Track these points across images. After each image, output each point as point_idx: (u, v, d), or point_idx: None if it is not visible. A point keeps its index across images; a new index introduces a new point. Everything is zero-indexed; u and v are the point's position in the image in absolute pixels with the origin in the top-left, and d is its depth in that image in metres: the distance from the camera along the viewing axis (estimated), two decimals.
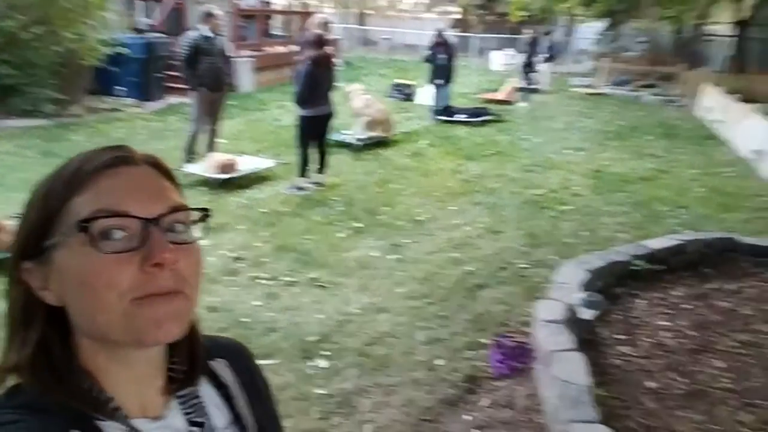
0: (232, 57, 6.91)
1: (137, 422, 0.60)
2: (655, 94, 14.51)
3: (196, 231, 0.60)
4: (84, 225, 0.53)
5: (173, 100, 10.48)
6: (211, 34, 6.31)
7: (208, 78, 6.35)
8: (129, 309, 0.54)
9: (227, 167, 6.04)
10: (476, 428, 2.62)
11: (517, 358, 3.13)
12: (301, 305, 3.63)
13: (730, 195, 6.36)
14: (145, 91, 9.93)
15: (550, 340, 2.97)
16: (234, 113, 9.51)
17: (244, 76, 12.10)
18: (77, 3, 8.12)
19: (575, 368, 2.70)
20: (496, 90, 13.39)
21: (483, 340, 3.32)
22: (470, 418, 2.70)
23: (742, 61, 15.82)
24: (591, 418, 2.39)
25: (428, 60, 10.15)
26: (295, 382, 2.86)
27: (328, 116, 5.75)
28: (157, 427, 0.62)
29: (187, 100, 10.60)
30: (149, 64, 9.89)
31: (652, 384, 2.85)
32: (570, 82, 16.58)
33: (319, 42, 5.46)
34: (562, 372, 2.67)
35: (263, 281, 3.92)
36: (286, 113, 10.28)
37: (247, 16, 13.03)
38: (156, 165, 0.61)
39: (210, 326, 3.25)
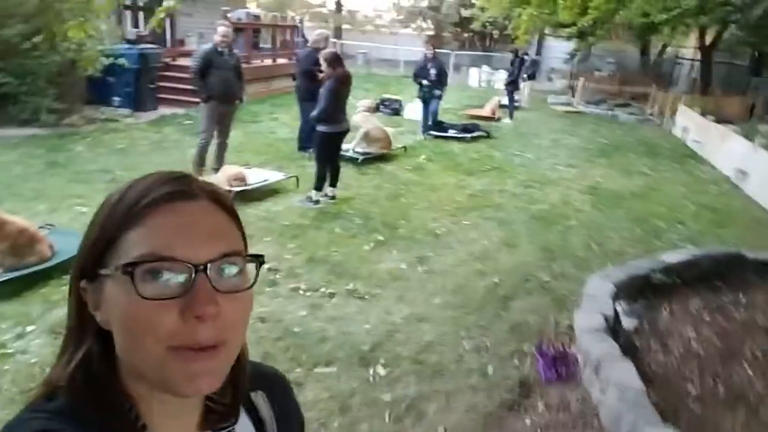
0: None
1: None
2: (631, 113, 15.11)
3: (248, 274, 0.58)
4: (128, 269, 0.53)
5: (165, 111, 10.46)
6: (223, 48, 6.38)
7: (218, 90, 6.40)
8: (165, 357, 0.53)
9: (238, 180, 6.10)
10: (540, 430, 2.77)
11: (562, 365, 3.30)
12: (345, 315, 3.73)
13: (720, 212, 6.74)
14: (138, 102, 9.87)
15: (596, 347, 3.14)
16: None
17: None
18: (77, 13, 8.05)
19: (627, 374, 2.88)
20: (479, 106, 13.75)
21: (525, 348, 3.48)
22: (529, 421, 2.85)
23: (707, 83, 16.69)
24: (653, 420, 2.57)
25: (418, 76, 10.35)
26: (360, 388, 2.97)
27: (346, 132, 5.88)
28: None
29: (179, 111, 10.69)
30: (142, 74, 9.84)
31: (693, 390, 3.05)
32: (547, 100, 17.12)
33: (338, 59, 5.60)
34: (616, 377, 2.85)
35: (303, 292, 4.01)
36: (280, 126, 10.41)
37: (237, 29, 13.04)
38: (216, 199, 0.59)
39: (265, 336, 3.35)
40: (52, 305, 3.66)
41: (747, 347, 3.53)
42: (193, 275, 0.53)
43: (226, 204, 0.59)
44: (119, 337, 0.55)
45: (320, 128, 5.65)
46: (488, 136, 10.63)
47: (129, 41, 10.57)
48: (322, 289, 4.06)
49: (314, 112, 5.57)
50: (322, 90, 5.51)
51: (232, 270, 0.56)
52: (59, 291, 3.82)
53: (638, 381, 2.83)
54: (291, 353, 3.21)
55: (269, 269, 4.28)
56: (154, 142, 8.35)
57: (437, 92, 10.18)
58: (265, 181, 6.36)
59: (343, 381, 3.02)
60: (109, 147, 7.81)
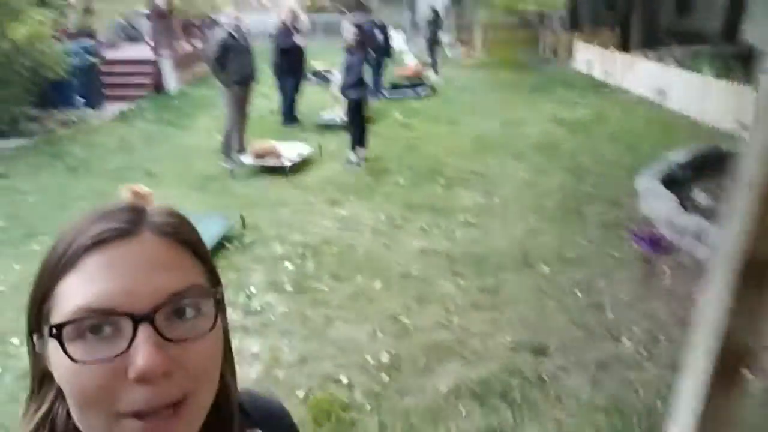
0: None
1: None
2: (528, 56, 16.79)
3: (211, 311, 0.49)
4: (54, 331, 0.45)
5: (116, 106, 10.11)
6: (235, 33, 6.62)
7: (239, 75, 6.66)
8: (114, 427, 0.46)
9: (271, 154, 6.47)
10: (676, 278, 3.85)
11: (657, 243, 4.39)
12: (476, 237, 4.56)
13: (662, 125, 8.30)
14: (93, 100, 9.49)
15: (691, 223, 4.25)
16: (191, 113, 9.62)
17: (169, 75, 11.92)
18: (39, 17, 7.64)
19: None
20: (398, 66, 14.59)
21: (624, 236, 4.53)
22: (666, 273, 3.92)
23: (577, 20, 18.80)
24: None
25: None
26: (534, 282, 3.85)
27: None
28: None
29: (132, 106, 10.41)
30: (93, 70, 9.47)
31: None
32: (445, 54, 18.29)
33: (363, 31, 6.18)
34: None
35: (428, 228, 4.74)
36: None
37: (160, 15, 12.65)
38: (164, 229, 0.50)
39: (439, 264, 4.05)
40: None
41: None
42: (134, 328, 0.45)
43: (177, 233, 0.51)
44: (68, 402, 0.48)
45: (354, 95, 6.25)
46: (434, 91, 11.58)
47: (69, 35, 10.00)
48: (441, 225, 4.82)
49: (349, 79, 6.15)
50: (353, 60, 6.11)
51: (189, 311, 0.48)
52: None
53: None
54: (472, 267, 3.99)
55: (385, 217, 4.95)
56: (143, 138, 8.26)
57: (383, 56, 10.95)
58: (301, 153, 6.79)
59: (525, 275, 3.89)
60: (104, 147, 7.66)
